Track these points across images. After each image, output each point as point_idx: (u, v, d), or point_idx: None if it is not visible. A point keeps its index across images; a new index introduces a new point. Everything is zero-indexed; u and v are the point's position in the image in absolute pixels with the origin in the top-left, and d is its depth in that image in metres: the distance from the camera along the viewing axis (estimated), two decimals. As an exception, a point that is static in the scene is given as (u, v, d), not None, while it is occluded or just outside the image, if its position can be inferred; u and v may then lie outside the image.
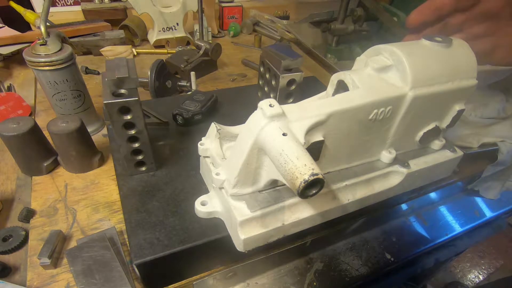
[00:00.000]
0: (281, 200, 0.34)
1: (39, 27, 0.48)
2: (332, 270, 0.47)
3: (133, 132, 0.39)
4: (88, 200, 0.45)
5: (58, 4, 0.96)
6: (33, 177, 0.48)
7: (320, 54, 0.81)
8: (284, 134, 0.28)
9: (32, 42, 0.55)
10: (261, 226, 0.33)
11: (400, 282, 0.77)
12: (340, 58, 0.86)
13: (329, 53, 0.87)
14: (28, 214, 0.42)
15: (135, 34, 0.90)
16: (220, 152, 0.38)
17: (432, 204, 0.62)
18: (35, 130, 0.44)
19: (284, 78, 0.53)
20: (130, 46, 0.85)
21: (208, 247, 0.36)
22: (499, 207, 0.64)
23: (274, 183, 0.34)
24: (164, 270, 0.36)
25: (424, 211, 0.60)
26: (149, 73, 0.63)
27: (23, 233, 0.40)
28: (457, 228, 0.60)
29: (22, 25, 0.83)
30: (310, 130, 0.30)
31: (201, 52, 0.77)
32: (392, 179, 0.42)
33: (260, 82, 0.62)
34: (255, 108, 0.30)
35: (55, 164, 0.49)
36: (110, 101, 0.35)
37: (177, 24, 0.89)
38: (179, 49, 0.87)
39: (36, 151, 0.46)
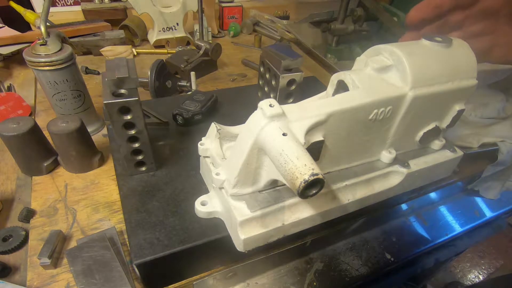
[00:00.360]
0: (281, 200, 0.34)
1: (39, 27, 0.48)
2: (332, 270, 0.47)
3: (133, 132, 0.39)
4: (88, 200, 0.45)
5: (58, 4, 0.96)
6: (33, 177, 0.48)
7: (320, 54, 0.81)
8: (284, 134, 0.28)
9: (32, 42, 0.55)
10: (261, 226, 0.33)
11: (400, 282, 0.77)
12: (340, 58, 0.86)
13: (329, 53, 0.87)
14: (28, 214, 0.42)
15: (135, 34, 0.90)
16: (220, 152, 0.38)
17: (432, 204, 0.61)
18: (35, 130, 0.44)
19: (284, 78, 0.53)
20: (130, 46, 0.85)
21: (208, 247, 0.36)
22: (499, 207, 0.64)
23: (274, 183, 0.34)
24: (164, 270, 0.36)
25: (424, 211, 0.60)
26: (149, 73, 0.63)
27: (23, 233, 0.41)
28: (457, 228, 0.60)
29: (22, 25, 0.83)
30: (310, 130, 0.30)
31: (201, 52, 0.77)
32: (392, 179, 0.42)
33: (260, 82, 0.62)
34: (255, 108, 0.30)
35: (55, 164, 0.49)
36: (110, 101, 0.35)
37: (177, 24, 0.89)
38: (179, 49, 0.87)
39: (36, 151, 0.46)
